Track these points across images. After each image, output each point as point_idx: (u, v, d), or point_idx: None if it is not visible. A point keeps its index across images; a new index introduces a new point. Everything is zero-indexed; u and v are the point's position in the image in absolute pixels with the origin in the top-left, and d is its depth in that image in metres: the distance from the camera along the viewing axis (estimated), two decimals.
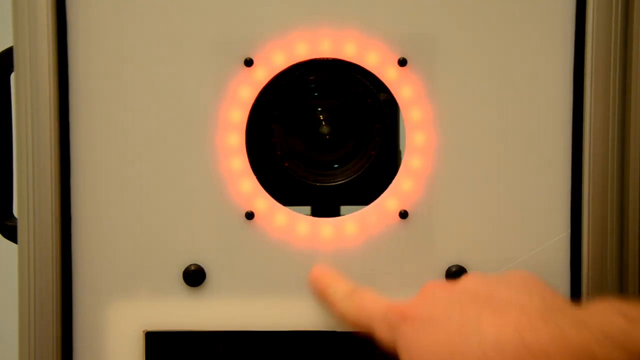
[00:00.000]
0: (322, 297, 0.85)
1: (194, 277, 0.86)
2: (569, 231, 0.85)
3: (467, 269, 0.85)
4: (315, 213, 0.94)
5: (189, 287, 0.86)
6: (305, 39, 0.85)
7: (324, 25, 0.85)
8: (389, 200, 0.86)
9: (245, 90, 0.85)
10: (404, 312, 0.78)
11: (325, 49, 0.85)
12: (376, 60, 0.85)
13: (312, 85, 0.89)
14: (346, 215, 0.87)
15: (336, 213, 0.93)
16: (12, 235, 0.90)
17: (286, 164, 0.90)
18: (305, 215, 0.87)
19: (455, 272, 0.85)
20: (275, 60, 0.85)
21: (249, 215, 0.86)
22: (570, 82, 0.84)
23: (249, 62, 0.85)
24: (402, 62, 0.84)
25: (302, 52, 0.85)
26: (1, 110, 0.92)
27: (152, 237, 0.86)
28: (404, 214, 0.85)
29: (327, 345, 0.87)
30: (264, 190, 0.86)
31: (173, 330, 0.87)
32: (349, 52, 0.85)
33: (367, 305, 0.82)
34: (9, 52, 0.88)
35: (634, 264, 0.84)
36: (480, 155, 0.85)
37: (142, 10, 0.85)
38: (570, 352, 0.68)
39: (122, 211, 0.86)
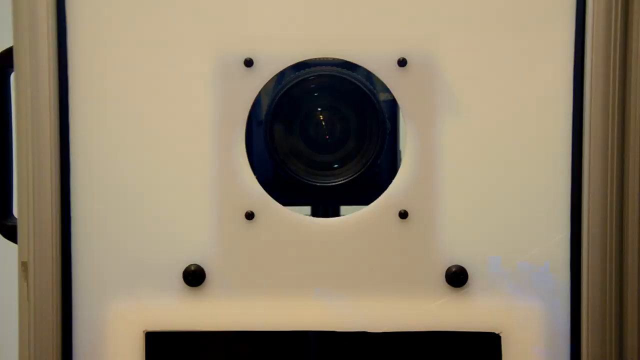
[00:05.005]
0: None
1: (194, 277, 0.86)
2: (569, 231, 0.85)
3: (467, 269, 0.85)
4: (315, 213, 0.94)
5: (189, 287, 0.86)
6: (305, 39, 0.85)
7: (324, 25, 0.85)
8: (389, 200, 0.86)
9: (245, 90, 0.85)
10: None
11: (325, 49, 0.85)
12: (376, 60, 0.85)
13: (312, 86, 0.89)
14: (346, 215, 0.87)
15: (336, 213, 0.93)
16: (12, 235, 0.90)
17: (286, 164, 0.90)
18: (305, 216, 0.87)
19: (455, 272, 0.85)
20: (275, 60, 0.85)
21: (249, 215, 0.86)
22: (570, 82, 0.84)
23: (249, 62, 0.85)
24: (402, 62, 0.84)
25: (302, 52, 0.85)
26: (1, 110, 0.92)
27: (152, 237, 0.86)
28: (404, 214, 0.85)
29: (327, 345, 0.87)
30: (264, 190, 0.86)
31: (173, 330, 0.87)
32: (349, 52, 0.85)
33: None
34: (9, 52, 0.88)
35: (633, 264, 0.84)
36: (480, 155, 0.85)
37: (142, 11, 0.85)
38: None
39: (122, 211, 0.86)
